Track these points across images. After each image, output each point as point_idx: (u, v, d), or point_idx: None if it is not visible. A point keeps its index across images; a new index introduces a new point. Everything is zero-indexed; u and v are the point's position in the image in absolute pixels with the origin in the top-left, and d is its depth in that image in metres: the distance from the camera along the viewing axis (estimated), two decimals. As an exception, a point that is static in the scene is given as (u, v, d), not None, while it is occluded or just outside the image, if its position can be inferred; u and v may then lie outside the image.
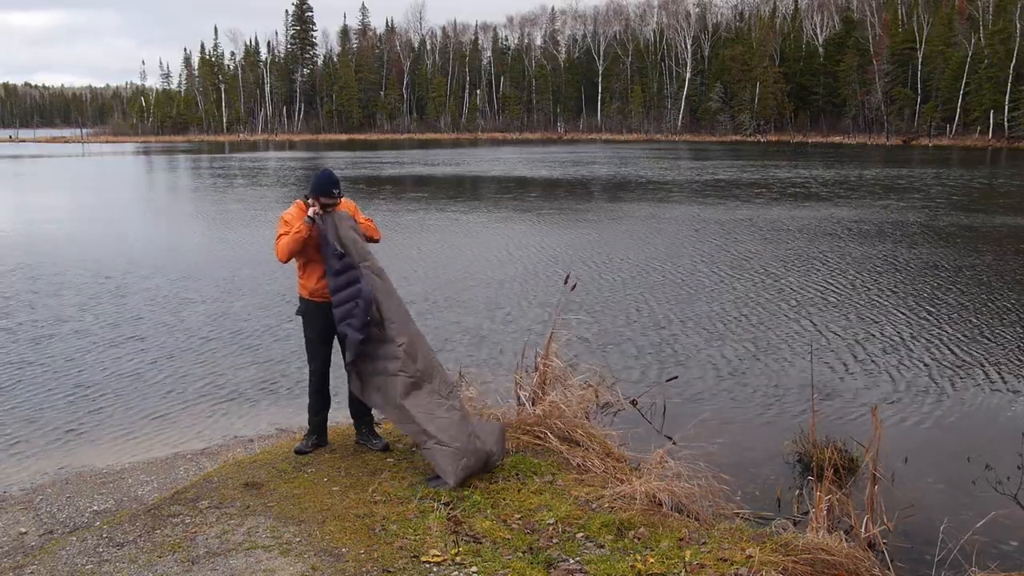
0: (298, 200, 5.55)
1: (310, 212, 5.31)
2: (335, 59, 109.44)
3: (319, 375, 5.62)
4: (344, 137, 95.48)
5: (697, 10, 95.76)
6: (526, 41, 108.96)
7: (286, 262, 5.44)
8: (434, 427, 5.09)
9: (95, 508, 5.06)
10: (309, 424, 5.75)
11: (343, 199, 5.48)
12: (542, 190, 29.78)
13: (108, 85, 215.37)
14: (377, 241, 5.60)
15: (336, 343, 5.60)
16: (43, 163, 53.06)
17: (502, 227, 19.43)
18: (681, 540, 4.26)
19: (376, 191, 29.31)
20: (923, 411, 7.15)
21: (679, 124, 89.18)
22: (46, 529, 4.79)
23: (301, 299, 5.57)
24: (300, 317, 5.65)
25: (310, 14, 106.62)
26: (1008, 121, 63.57)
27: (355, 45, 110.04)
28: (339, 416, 6.12)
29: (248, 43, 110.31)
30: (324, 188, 5.35)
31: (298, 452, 5.59)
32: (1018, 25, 64.28)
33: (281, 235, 5.38)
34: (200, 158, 57.12)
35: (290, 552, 4.19)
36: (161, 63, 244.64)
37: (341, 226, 5.32)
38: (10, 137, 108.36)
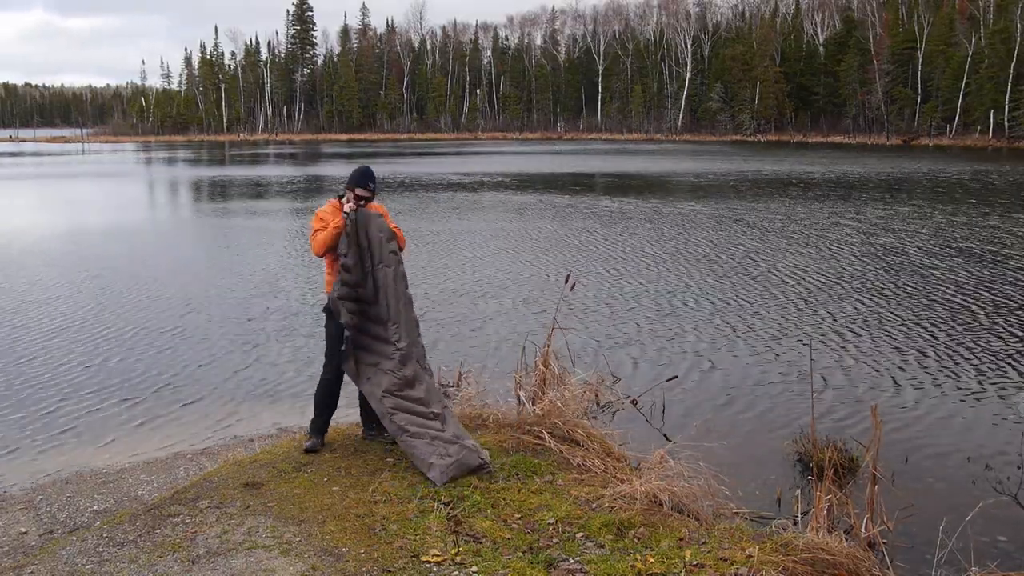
0: (332, 200, 5.69)
1: (346, 207, 5.48)
2: (335, 59, 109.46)
3: (334, 374, 5.65)
4: (344, 137, 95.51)
5: (697, 10, 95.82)
6: (526, 41, 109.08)
7: (322, 256, 5.60)
8: (406, 422, 5.29)
9: (95, 508, 5.07)
10: (313, 422, 5.75)
11: (375, 203, 5.66)
12: (543, 185, 29.77)
13: (108, 85, 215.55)
14: (401, 249, 5.68)
15: None
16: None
17: (503, 225, 19.43)
18: (681, 540, 4.26)
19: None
20: (923, 411, 7.15)
21: (679, 124, 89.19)
22: (46, 529, 4.79)
23: (329, 296, 5.64)
24: (325, 314, 5.75)
25: (310, 14, 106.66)
26: (1008, 121, 63.54)
27: (355, 45, 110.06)
28: (339, 416, 6.12)
29: (248, 43, 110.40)
30: (361, 180, 5.57)
31: (309, 451, 5.60)
32: (1019, 25, 64.26)
33: (317, 230, 5.56)
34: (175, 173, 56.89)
35: (290, 552, 4.19)
36: (162, 63, 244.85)
37: (371, 225, 5.47)
38: (10, 137, 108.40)
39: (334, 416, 5.89)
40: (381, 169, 41.60)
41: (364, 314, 5.47)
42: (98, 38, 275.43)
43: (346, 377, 5.69)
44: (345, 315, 5.40)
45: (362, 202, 5.52)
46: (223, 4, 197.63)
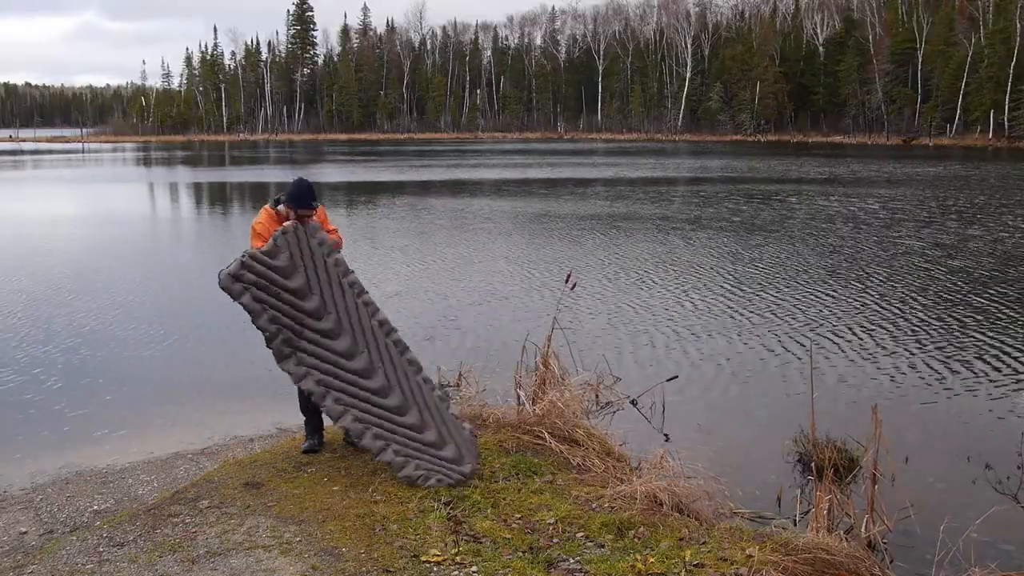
0: (267, 206, 5.52)
1: (286, 225, 5.29)
2: (335, 59, 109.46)
3: None
4: (344, 137, 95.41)
5: (697, 10, 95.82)
6: (526, 41, 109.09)
7: None
8: (389, 440, 5.12)
9: (95, 508, 5.06)
10: (307, 424, 5.75)
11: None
12: (544, 187, 29.77)
13: (108, 85, 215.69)
14: (337, 250, 5.56)
15: None
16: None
17: (503, 226, 19.43)
18: (681, 540, 4.26)
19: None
20: (923, 411, 7.15)
21: (679, 124, 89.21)
22: (46, 529, 4.79)
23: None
24: None
25: (310, 14, 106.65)
26: (1008, 121, 63.53)
27: (355, 45, 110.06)
28: (339, 416, 6.11)
29: (249, 43, 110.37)
30: (302, 200, 5.35)
31: (308, 452, 5.59)
32: (1018, 25, 64.23)
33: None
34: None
35: (290, 552, 4.19)
36: (163, 63, 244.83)
37: (312, 241, 5.31)
38: (10, 137, 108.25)
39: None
40: (386, 175, 41.65)
41: (328, 348, 5.20)
42: (138, 41, 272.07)
43: None
44: (248, 297, 5.06)
45: (304, 219, 5.34)
46: (256, 6, 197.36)
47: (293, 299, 5.17)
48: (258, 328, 5.15)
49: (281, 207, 5.43)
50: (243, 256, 5.13)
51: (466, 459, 5.18)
